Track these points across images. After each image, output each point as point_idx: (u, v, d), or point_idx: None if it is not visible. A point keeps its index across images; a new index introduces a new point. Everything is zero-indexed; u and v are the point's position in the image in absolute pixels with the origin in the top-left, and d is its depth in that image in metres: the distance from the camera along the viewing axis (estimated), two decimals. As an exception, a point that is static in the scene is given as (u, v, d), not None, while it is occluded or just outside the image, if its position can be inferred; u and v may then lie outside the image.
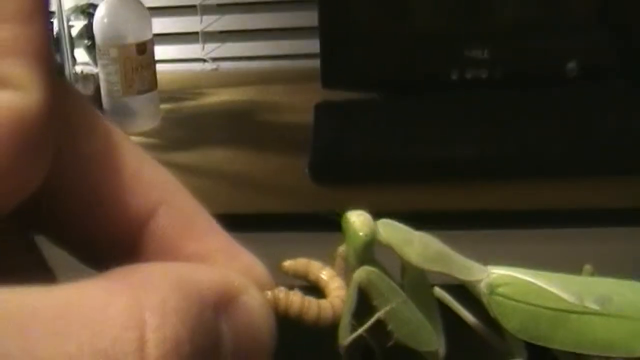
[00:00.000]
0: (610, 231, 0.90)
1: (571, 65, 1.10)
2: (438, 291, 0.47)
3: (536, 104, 1.08)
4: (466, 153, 0.97)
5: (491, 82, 1.12)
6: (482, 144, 0.99)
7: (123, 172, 0.21)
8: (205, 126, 1.17)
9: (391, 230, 0.41)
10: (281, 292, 0.24)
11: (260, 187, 0.97)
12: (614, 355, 0.43)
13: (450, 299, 0.46)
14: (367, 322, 0.38)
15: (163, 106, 1.18)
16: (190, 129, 1.14)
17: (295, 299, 0.25)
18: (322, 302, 0.26)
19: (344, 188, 0.94)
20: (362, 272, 0.37)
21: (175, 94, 1.25)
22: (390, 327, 0.40)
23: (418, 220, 0.96)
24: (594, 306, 0.43)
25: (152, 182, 0.22)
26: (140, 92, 1.09)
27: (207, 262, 0.22)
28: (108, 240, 0.22)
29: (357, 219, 0.39)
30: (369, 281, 0.37)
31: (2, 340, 0.15)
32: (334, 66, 1.15)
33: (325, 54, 1.14)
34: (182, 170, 0.97)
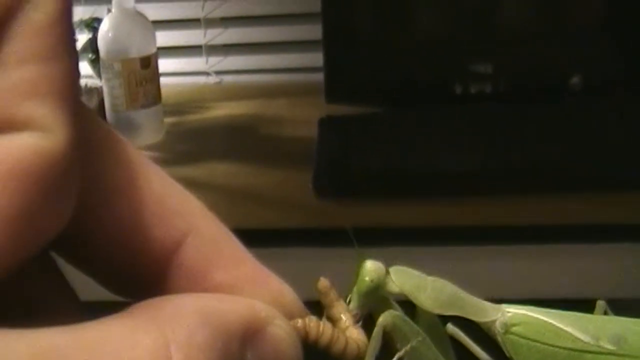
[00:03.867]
0: (619, 247, 0.90)
1: (575, 78, 1.10)
2: (451, 328, 0.47)
3: (540, 117, 1.08)
4: (470, 167, 0.97)
5: (495, 96, 1.11)
6: (487, 158, 0.99)
7: (148, 202, 0.21)
8: (209, 140, 1.17)
9: (403, 278, 0.42)
10: (312, 322, 0.24)
11: (264, 202, 0.97)
12: None
13: (463, 336, 0.47)
14: None
15: (167, 120, 1.18)
16: (194, 143, 1.14)
17: (326, 330, 0.25)
18: (348, 336, 0.27)
19: (348, 202, 0.94)
20: (388, 316, 0.38)
21: (179, 108, 1.25)
22: None
23: (422, 234, 0.95)
24: (609, 346, 0.43)
25: (178, 210, 0.22)
26: (144, 106, 1.09)
27: (235, 292, 0.22)
28: (135, 271, 0.22)
29: (369, 264, 0.40)
30: (394, 325, 0.38)
31: None
32: (338, 80, 1.15)
33: (329, 68, 1.14)
34: (185, 184, 0.96)
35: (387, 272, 0.41)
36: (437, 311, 0.43)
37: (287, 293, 0.23)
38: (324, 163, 1.00)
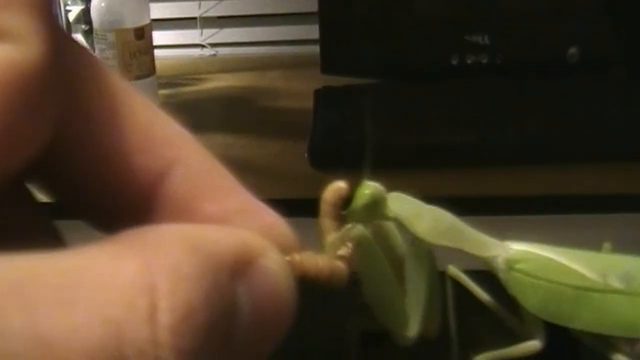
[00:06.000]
0: (612, 217, 0.90)
1: (573, 51, 1.10)
2: (453, 270, 0.45)
3: (537, 89, 1.07)
4: (466, 139, 0.97)
5: (492, 67, 1.11)
6: (483, 129, 0.98)
7: (133, 129, 0.20)
8: (204, 112, 1.16)
9: (400, 204, 0.40)
10: (309, 257, 0.23)
11: (260, 173, 0.96)
12: (638, 336, 0.41)
13: (465, 277, 0.45)
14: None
15: (161, 92, 1.17)
16: (189, 115, 1.13)
17: (324, 266, 0.23)
18: (339, 263, 0.25)
19: (343, 173, 0.93)
20: (358, 231, 0.36)
21: (174, 80, 1.24)
22: (366, 294, 0.39)
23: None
24: (618, 284, 0.40)
25: (165, 139, 0.21)
26: (138, 78, 1.08)
27: (225, 223, 0.21)
28: (119, 202, 0.21)
29: (369, 183, 0.39)
30: (360, 243, 0.36)
31: (4, 313, 0.14)
32: (334, 52, 1.14)
33: (325, 40, 1.13)
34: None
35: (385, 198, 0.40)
36: (434, 241, 0.41)
37: (281, 226, 0.22)
38: (319, 134, 0.99)
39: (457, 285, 0.45)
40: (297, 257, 0.22)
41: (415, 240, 0.41)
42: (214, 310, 0.17)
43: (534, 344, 0.41)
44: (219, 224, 0.21)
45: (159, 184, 0.21)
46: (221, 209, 0.21)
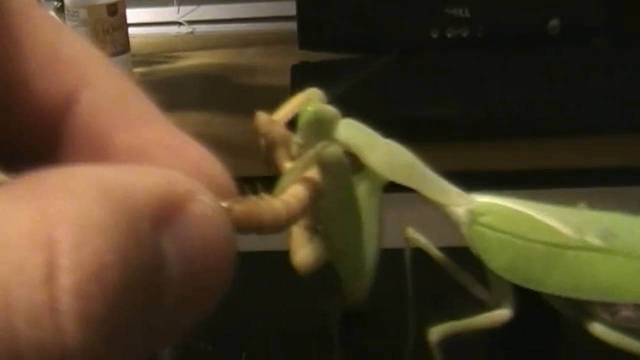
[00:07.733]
0: (594, 191, 0.89)
1: (554, 23, 1.08)
2: (411, 232, 0.41)
3: (518, 62, 1.06)
4: (448, 113, 0.95)
5: (472, 40, 1.09)
6: (464, 103, 0.97)
7: (34, 48, 0.17)
8: (181, 90, 1.14)
9: (353, 131, 0.36)
10: (252, 202, 0.19)
11: (238, 150, 0.94)
12: (619, 301, 0.35)
13: (424, 240, 0.41)
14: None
15: (138, 70, 1.15)
16: (165, 93, 1.11)
17: (267, 211, 0.19)
18: (280, 203, 0.21)
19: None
20: (331, 149, 0.28)
21: (150, 58, 1.22)
22: (325, 232, 0.34)
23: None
24: (597, 241, 0.36)
25: (71, 59, 0.18)
26: (112, 55, 1.05)
27: (144, 158, 0.18)
28: (22, 138, 0.17)
29: (319, 103, 0.36)
30: (330, 164, 0.28)
31: None
32: (311, 27, 1.12)
33: (302, 15, 1.11)
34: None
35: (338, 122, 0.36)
36: (388, 175, 0.36)
37: (212, 163, 0.19)
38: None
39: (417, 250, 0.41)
40: (252, 202, 0.19)
41: (367, 175, 0.37)
42: (132, 267, 0.14)
43: (502, 313, 0.36)
44: (137, 159, 0.18)
45: (66, 112, 0.18)
46: (138, 140, 0.18)
